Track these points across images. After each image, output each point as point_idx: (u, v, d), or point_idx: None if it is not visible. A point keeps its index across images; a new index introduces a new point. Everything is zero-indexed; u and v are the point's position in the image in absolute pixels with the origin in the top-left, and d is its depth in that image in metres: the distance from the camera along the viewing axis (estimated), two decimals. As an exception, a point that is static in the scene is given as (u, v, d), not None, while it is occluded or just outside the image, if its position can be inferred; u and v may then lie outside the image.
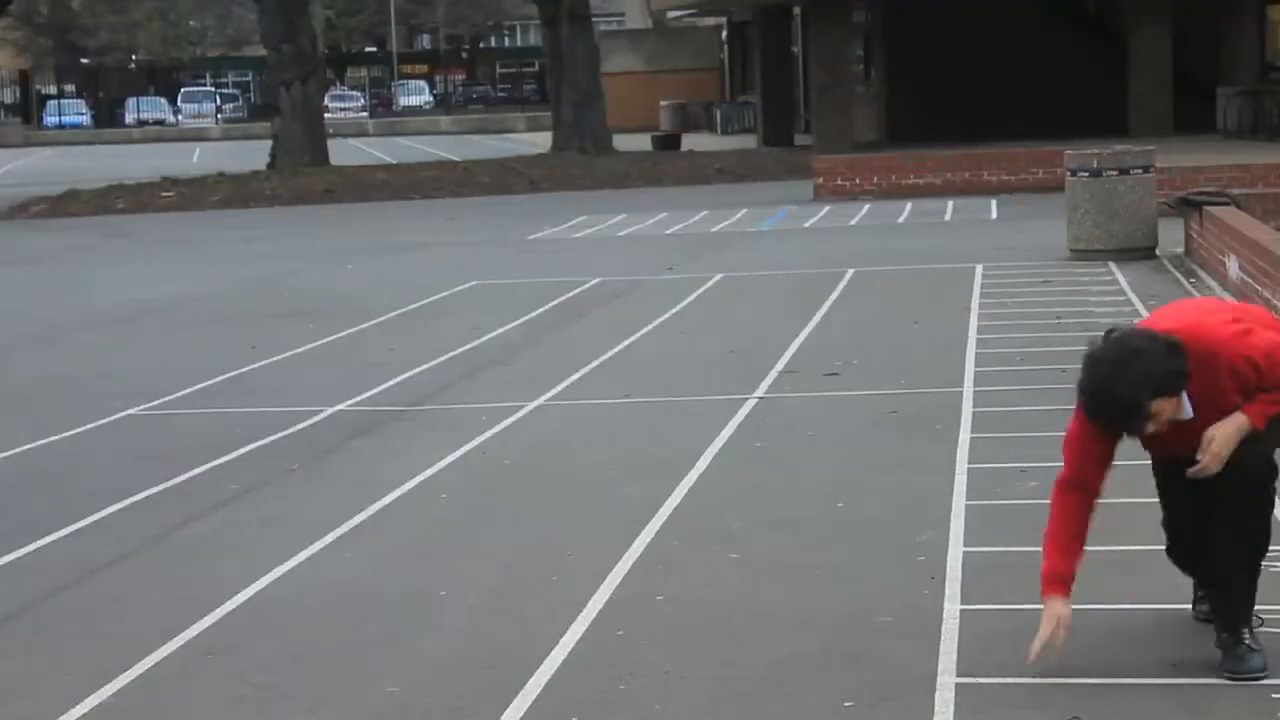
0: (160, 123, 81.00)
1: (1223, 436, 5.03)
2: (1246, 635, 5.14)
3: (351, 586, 6.57)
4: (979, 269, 15.95)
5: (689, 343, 12.58)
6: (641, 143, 44.74)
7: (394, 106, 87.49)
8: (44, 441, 9.87)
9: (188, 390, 11.39)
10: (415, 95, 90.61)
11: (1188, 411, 5.03)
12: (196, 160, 50.09)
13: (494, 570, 6.70)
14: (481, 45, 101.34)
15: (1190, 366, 4.98)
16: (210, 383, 11.67)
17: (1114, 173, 16.60)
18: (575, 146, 41.03)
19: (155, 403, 10.99)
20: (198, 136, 73.42)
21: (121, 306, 16.62)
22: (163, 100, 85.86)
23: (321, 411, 10.34)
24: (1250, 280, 12.49)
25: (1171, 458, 5.24)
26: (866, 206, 24.86)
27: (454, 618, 6.11)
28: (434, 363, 12.08)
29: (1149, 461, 5.44)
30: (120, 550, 7.30)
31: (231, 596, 6.45)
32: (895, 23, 41.28)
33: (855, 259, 17.52)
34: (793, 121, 45.96)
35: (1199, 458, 5.05)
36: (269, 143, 41.29)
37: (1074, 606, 5.12)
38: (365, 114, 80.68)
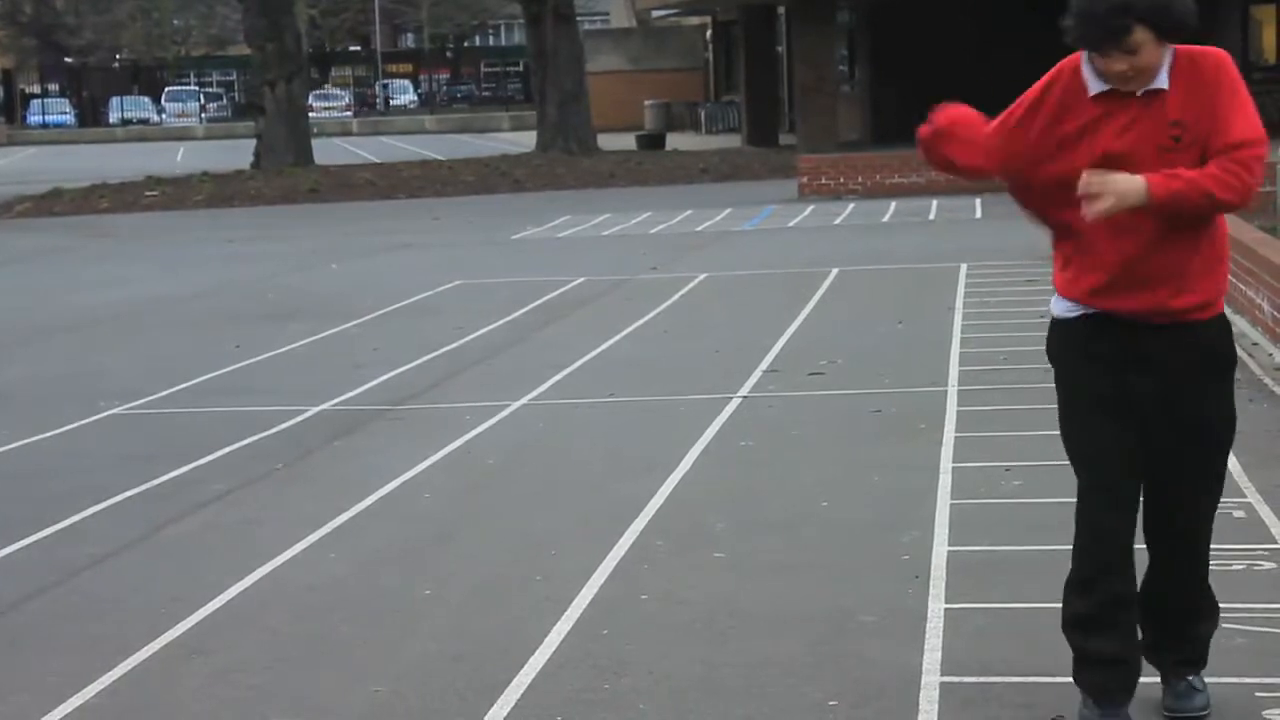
0: (144, 122, 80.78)
1: (1113, 182, 4.48)
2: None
3: (335, 586, 6.56)
4: (963, 268, 15.97)
5: (673, 342, 12.57)
6: (626, 142, 44.71)
7: (377, 106, 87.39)
8: (26, 441, 9.85)
9: (171, 390, 11.37)
10: (400, 94, 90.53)
11: (1163, 79, 4.49)
12: (180, 160, 49.99)
13: (478, 570, 6.70)
14: (466, 44, 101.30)
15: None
16: (194, 382, 11.65)
17: (1098, 172, 16.60)
18: (560, 146, 40.97)
19: (138, 403, 10.97)
20: (182, 136, 73.21)
21: (105, 306, 16.59)
22: (147, 99, 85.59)
23: (305, 411, 10.32)
24: (1234, 280, 12.52)
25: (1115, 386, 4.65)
26: (851, 206, 24.88)
27: (438, 617, 6.10)
28: (418, 362, 12.07)
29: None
30: (103, 550, 7.28)
31: (215, 596, 6.44)
32: (879, 22, 41.30)
33: (839, 258, 17.53)
34: (777, 121, 45.96)
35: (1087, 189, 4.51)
36: (253, 142, 41.21)
37: (1058, 605, 5.09)
38: (349, 113, 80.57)
